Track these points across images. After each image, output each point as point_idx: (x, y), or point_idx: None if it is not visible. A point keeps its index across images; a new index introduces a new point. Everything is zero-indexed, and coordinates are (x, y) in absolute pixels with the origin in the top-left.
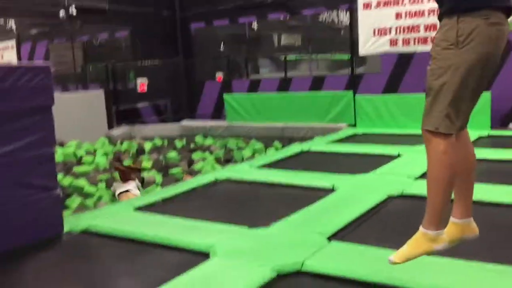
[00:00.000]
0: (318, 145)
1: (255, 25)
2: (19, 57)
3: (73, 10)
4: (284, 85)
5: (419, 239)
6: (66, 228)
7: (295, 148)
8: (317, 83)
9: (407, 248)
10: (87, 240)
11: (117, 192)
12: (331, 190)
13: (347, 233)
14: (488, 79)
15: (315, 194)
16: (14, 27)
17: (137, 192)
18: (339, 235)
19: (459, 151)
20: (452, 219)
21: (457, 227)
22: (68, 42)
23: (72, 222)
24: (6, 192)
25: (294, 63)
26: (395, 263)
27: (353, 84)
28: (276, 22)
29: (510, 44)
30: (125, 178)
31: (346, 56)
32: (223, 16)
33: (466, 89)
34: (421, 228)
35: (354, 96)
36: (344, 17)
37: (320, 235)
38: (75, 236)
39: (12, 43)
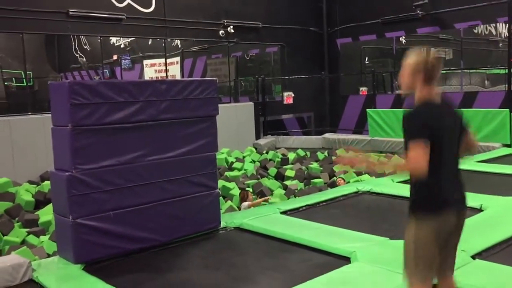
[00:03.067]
0: (466, 163)
1: (403, 39)
2: (182, 72)
3: (231, 29)
4: None
5: None
6: (222, 223)
7: None
8: (468, 99)
9: None
10: (240, 235)
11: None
12: (479, 210)
13: (493, 253)
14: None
15: None
16: (179, 45)
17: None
18: (484, 254)
19: None
20: None
21: None
22: (223, 58)
23: (227, 219)
24: (180, 188)
25: (444, 77)
26: None
27: (510, 101)
28: (426, 35)
29: None
30: (243, 199)
31: (502, 71)
32: (370, 31)
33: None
34: None
35: (510, 114)
36: (504, 29)
37: (464, 253)
38: (229, 231)
39: (177, 59)
